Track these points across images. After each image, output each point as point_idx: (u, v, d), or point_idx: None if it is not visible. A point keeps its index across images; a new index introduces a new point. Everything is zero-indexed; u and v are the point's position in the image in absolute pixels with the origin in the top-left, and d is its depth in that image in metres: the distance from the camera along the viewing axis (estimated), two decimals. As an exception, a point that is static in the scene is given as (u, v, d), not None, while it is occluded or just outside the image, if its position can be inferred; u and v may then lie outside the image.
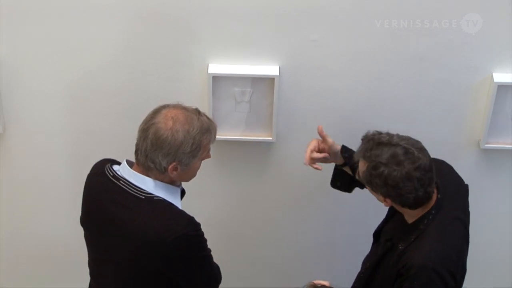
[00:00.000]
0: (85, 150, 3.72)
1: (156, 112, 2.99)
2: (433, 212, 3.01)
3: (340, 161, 3.34)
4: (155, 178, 3.00)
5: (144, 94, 3.56)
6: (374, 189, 2.99)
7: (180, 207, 3.05)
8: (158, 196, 2.99)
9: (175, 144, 2.93)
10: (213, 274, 3.12)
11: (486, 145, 3.60)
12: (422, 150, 2.96)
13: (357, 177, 3.08)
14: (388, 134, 3.00)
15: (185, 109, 2.99)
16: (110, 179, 3.05)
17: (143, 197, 2.98)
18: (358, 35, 3.39)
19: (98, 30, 3.42)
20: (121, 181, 3.02)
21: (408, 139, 2.98)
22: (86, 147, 3.72)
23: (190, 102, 3.49)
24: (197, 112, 3.00)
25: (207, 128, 2.97)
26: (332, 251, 3.98)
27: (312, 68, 3.47)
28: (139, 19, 3.39)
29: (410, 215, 3.05)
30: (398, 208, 3.05)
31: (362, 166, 3.00)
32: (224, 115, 3.57)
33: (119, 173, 3.05)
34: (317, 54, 3.43)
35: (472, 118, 3.57)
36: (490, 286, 4.08)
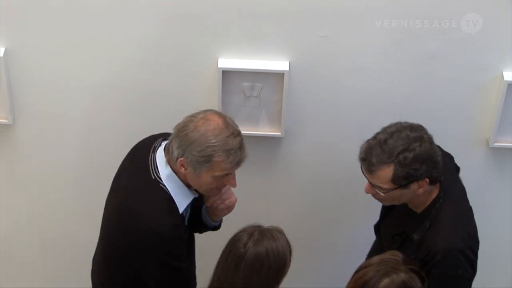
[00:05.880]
0: (94, 142, 3.73)
1: (208, 109, 2.99)
2: (442, 194, 3.05)
3: None
4: (169, 164, 2.99)
5: (153, 88, 3.56)
6: (412, 178, 2.94)
7: (181, 211, 3.02)
8: (164, 185, 3.00)
9: (188, 139, 2.92)
10: (174, 285, 3.08)
11: (495, 144, 3.59)
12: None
13: (381, 194, 3.04)
14: (379, 133, 3.00)
15: (227, 123, 2.94)
16: (148, 150, 3.06)
17: (153, 178, 2.99)
18: (369, 32, 3.38)
19: (109, 24, 3.42)
20: (151, 155, 3.04)
21: (395, 123, 3.02)
22: (95, 140, 3.72)
23: (200, 96, 3.51)
24: (235, 133, 2.94)
25: (228, 150, 2.92)
26: (339, 248, 3.98)
27: (322, 64, 3.47)
28: (149, 14, 3.39)
29: (420, 203, 3.06)
30: (419, 192, 3.01)
31: (386, 173, 2.96)
32: (233, 110, 3.56)
33: (158, 149, 3.06)
34: (327, 50, 3.43)
35: (482, 117, 3.56)
36: (490, 286, 4.07)
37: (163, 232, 2.94)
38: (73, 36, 3.47)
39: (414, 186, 2.98)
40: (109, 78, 3.57)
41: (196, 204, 3.20)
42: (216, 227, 3.28)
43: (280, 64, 3.46)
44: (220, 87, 3.48)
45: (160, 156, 3.03)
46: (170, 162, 3.00)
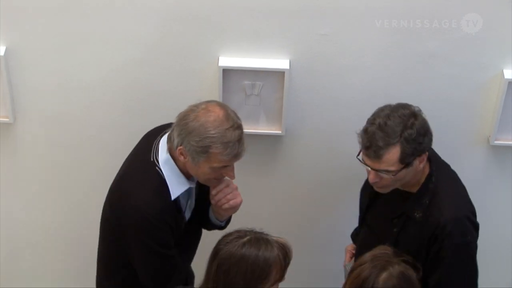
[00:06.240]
0: (94, 141, 3.73)
1: (211, 100, 3.02)
2: (434, 168, 3.12)
3: None
4: (170, 152, 3.02)
5: (153, 87, 3.56)
6: (417, 152, 2.99)
7: (173, 197, 3.04)
8: (160, 169, 3.02)
9: (187, 129, 2.94)
10: (153, 269, 3.10)
11: (496, 142, 3.59)
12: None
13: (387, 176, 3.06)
14: (374, 119, 3.03)
15: (227, 115, 2.96)
16: (158, 135, 3.11)
17: (151, 160, 3.03)
18: (369, 31, 3.38)
19: (110, 23, 3.43)
20: (158, 139, 3.09)
21: (383, 107, 3.06)
22: (96, 139, 3.73)
23: (200, 95, 3.50)
24: (235, 126, 2.96)
25: (225, 142, 2.93)
26: (340, 245, 3.98)
27: (322, 63, 3.47)
28: (149, 13, 3.39)
29: (416, 181, 3.11)
30: (420, 168, 3.07)
31: (394, 154, 2.98)
32: (234, 108, 3.56)
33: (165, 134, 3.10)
34: (328, 49, 3.43)
35: (482, 115, 3.56)
36: (490, 286, 4.07)
37: (147, 211, 2.98)
38: (73, 35, 3.47)
39: (416, 162, 3.03)
40: (109, 77, 3.57)
41: (206, 200, 3.22)
42: (222, 227, 3.29)
43: (280, 63, 3.46)
44: (220, 86, 3.49)
45: (164, 141, 3.06)
46: (171, 149, 3.03)
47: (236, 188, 3.16)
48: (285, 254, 2.81)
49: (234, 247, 2.74)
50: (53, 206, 3.96)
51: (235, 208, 3.18)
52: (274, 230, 3.96)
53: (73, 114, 3.68)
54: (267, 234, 2.83)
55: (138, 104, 3.63)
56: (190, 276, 3.46)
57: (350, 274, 2.84)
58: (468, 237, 3.08)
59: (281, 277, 2.80)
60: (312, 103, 3.58)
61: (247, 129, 3.60)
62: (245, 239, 2.77)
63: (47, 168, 3.83)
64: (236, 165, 3.76)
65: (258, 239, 2.78)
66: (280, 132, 3.62)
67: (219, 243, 2.80)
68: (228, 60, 3.46)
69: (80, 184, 3.86)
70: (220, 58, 3.47)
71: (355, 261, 3.31)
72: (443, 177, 3.14)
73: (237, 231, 2.82)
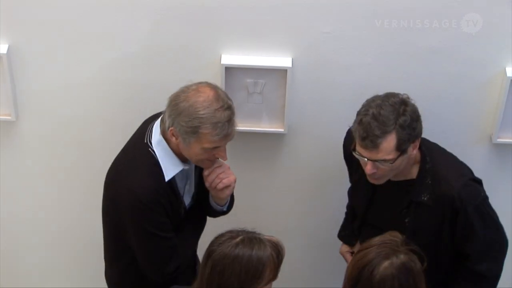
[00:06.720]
0: (96, 139, 3.73)
1: (203, 81, 3.03)
2: (423, 148, 3.18)
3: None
4: (163, 134, 3.04)
5: (156, 85, 3.57)
6: (412, 138, 3.05)
7: (167, 178, 3.06)
8: (153, 150, 3.05)
9: (178, 109, 2.96)
10: (150, 251, 3.12)
11: (498, 140, 3.60)
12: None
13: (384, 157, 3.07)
14: (367, 110, 3.07)
15: (217, 96, 2.97)
16: (155, 118, 3.15)
17: (145, 142, 3.07)
18: (371, 28, 3.39)
19: (113, 21, 3.43)
20: (153, 122, 3.12)
21: (373, 98, 3.12)
22: (98, 136, 3.73)
23: (203, 92, 3.50)
24: (225, 106, 2.97)
25: (214, 122, 2.95)
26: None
27: (325, 60, 3.47)
28: (152, 10, 3.40)
29: (409, 168, 3.17)
30: (413, 154, 3.13)
31: (390, 142, 3.01)
32: (236, 106, 3.51)
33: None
34: (330, 47, 3.43)
35: (485, 113, 3.57)
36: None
37: (139, 192, 3.01)
38: (76, 34, 3.48)
39: (410, 149, 3.08)
40: (112, 75, 3.58)
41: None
42: (224, 211, 3.30)
43: (283, 61, 3.46)
44: (223, 84, 3.48)
45: (157, 124, 3.10)
46: (164, 131, 3.05)
47: (229, 168, 3.17)
48: (278, 253, 2.80)
49: (228, 247, 2.74)
50: (56, 204, 3.96)
51: (229, 187, 3.17)
52: (277, 227, 3.98)
53: (75, 112, 3.68)
54: (259, 234, 2.83)
55: (140, 103, 3.63)
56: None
57: (356, 254, 2.85)
58: (481, 194, 3.20)
59: (274, 276, 2.80)
60: (314, 101, 3.58)
61: (250, 127, 3.62)
62: (238, 239, 2.77)
63: (49, 166, 3.83)
64: (239, 163, 3.78)
65: (251, 238, 2.78)
66: (282, 130, 3.62)
67: (212, 244, 2.80)
68: (230, 58, 3.47)
69: (83, 182, 3.86)
70: (222, 56, 3.47)
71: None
72: (434, 154, 3.21)
73: (229, 232, 2.82)
